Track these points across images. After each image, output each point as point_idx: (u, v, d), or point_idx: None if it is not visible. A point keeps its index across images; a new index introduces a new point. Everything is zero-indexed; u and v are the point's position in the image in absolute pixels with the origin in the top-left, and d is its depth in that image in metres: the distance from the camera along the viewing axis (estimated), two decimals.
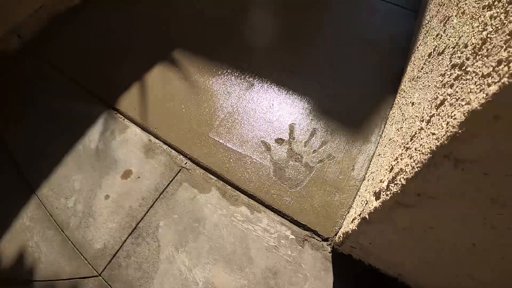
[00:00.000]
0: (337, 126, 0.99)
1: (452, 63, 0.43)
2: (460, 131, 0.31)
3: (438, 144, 0.34)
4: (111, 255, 0.85)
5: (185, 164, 0.95)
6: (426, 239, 0.51)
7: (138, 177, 0.93)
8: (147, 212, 0.87)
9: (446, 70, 0.45)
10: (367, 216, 0.55)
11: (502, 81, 0.26)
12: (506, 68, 0.26)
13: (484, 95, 0.28)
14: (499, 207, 0.36)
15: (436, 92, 0.45)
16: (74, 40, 1.49)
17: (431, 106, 0.44)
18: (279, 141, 0.95)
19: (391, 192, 0.47)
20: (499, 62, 0.28)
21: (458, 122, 0.31)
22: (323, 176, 0.87)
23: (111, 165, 0.99)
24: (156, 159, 0.97)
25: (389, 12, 1.43)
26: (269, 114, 1.01)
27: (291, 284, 0.75)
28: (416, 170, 0.39)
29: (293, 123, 0.98)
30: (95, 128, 1.10)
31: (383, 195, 0.50)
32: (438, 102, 0.41)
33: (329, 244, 0.79)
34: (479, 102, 0.28)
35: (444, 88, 0.42)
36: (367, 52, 1.20)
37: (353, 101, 1.05)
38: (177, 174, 0.92)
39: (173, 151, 0.97)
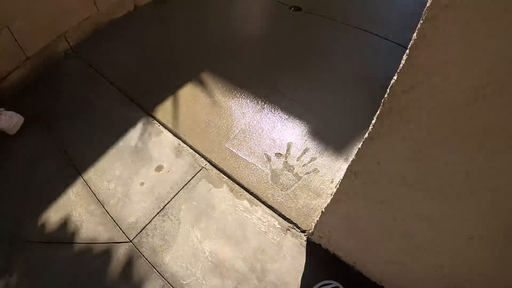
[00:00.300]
0: (325, 148, 1.33)
1: None
2: None
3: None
4: (141, 227, 1.20)
5: (205, 165, 1.31)
6: (357, 227, 0.84)
7: (168, 171, 1.30)
8: (172, 198, 1.23)
9: None
10: (323, 210, 0.88)
11: None
12: None
13: None
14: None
15: None
16: (114, 50, 1.90)
17: None
18: (278, 155, 1.30)
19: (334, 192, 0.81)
20: None
21: None
22: (308, 185, 1.22)
23: (147, 160, 1.35)
24: (183, 159, 1.33)
25: (389, 50, 1.80)
26: (273, 133, 1.37)
27: (273, 260, 1.08)
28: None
29: (290, 142, 1.34)
30: (135, 129, 1.47)
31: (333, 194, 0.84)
32: None
33: (305, 235, 1.12)
34: None
35: None
36: (362, 87, 1.55)
37: (341, 128, 1.40)
38: (198, 172, 1.28)
39: (197, 154, 1.34)
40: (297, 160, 1.28)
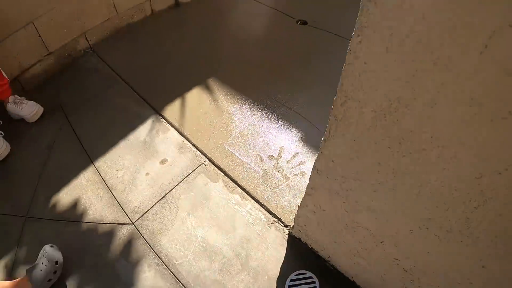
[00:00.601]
0: (314, 153, 1.55)
1: None
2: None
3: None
4: (143, 212, 1.43)
5: (204, 161, 1.54)
6: (324, 220, 1.04)
7: (171, 165, 1.53)
8: (173, 188, 1.46)
9: None
10: (299, 204, 1.09)
11: None
12: None
13: None
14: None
15: None
16: (131, 51, 2.18)
17: None
18: (270, 157, 1.52)
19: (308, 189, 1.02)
20: None
21: None
22: (295, 185, 1.43)
23: (153, 154, 1.60)
24: (185, 155, 1.57)
25: None
26: (268, 137, 1.59)
27: (257, 249, 1.29)
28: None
29: (282, 146, 1.56)
30: (145, 126, 1.72)
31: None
32: None
33: (288, 229, 1.33)
34: None
35: None
36: None
37: None
38: (197, 167, 1.51)
39: (198, 151, 1.57)
40: (287, 163, 1.50)
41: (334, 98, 0.69)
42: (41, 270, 1.19)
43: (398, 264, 0.95)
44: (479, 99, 0.49)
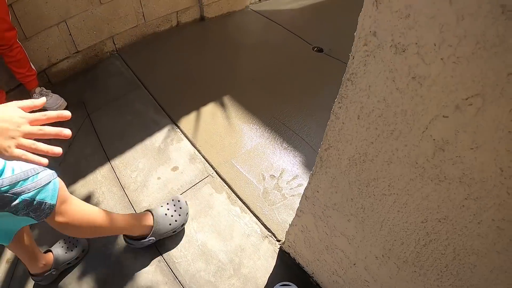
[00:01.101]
0: None
1: None
2: None
3: None
4: None
5: (211, 173, 1.77)
6: (309, 238, 1.25)
7: (181, 172, 1.77)
8: (181, 194, 1.70)
9: None
10: (290, 222, 1.31)
11: None
12: None
13: None
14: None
15: None
16: (154, 59, 2.44)
17: None
18: (272, 176, 1.75)
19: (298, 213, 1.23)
20: None
21: None
22: (291, 205, 1.65)
23: (166, 160, 1.84)
24: (195, 165, 1.81)
25: None
26: (272, 158, 1.82)
27: (249, 258, 1.50)
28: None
29: (284, 168, 1.78)
30: (161, 133, 1.96)
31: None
32: None
33: (279, 244, 1.55)
34: None
35: None
36: None
37: None
38: (205, 178, 1.75)
39: (207, 163, 1.80)
40: (287, 183, 1.72)
41: (321, 143, 0.91)
42: (165, 214, 1.48)
43: (368, 286, 1.16)
44: (422, 164, 0.70)
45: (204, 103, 2.11)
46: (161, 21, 2.55)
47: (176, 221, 1.49)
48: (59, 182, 1.02)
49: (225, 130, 1.96)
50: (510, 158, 0.57)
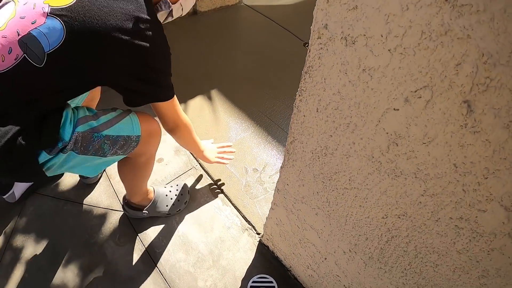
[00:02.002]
0: None
1: None
2: None
3: None
4: None
5: (195, 165, 1.74)
6: (283, 232, 1.22)
7: (166, 164, 1.75)
8: (165, 185, 1.68)
9: None
10: (267, 215, 1.28)
11: None
12: None
13: None
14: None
15: None
16: None
17: None
18: (255, 170, 1.72)
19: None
20: None
21: None
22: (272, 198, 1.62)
23: None
24: (180, 157, 1.78)
25: None
26: (255, 151, 1.78)
27: (229, 250, 1.48)
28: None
29: (267, 162, 1.75)
30: None
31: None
32: None
33: (259, 237, 1.52)
34: None
35: None
36: None
37: None
38: (189, 170, 1.72)
39: (191, 156, 1.77)
40: (269, 177, 1.69)
41: (288, 136, 0.88)
42: (166, 194, 1.54)
43: (339, 281, 1.13)
44: (378, 158, 0.67)
45: (192, 97, 2.08)
46: None
47: (173, 205, 1.53)
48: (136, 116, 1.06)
49: (211, 123, 1.93)
50: (464, 153, 0.54)
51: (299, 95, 0.75)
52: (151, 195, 1.50)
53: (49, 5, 0.77)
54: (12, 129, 0.76)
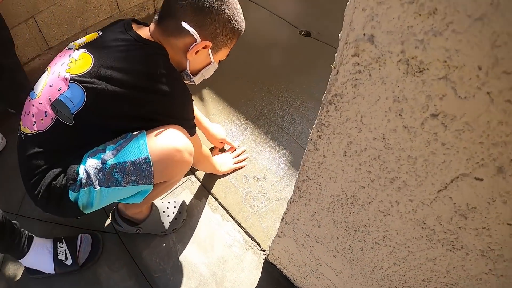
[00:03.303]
0: None
1: None
2: None
3: None
4: None
5: (190, 177, 1.52)
6: (293, 259, 1.04)
7: None
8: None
9: None
10: (273, 239, 1.09)
11: None
12: None
13: None
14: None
15: None
16: None
17: None
18: (255, 178, 1.51)
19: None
20: None
21: None
22: (276, 210, 1.42)
23: None
24: None
25: None
26: (255, 157, 1.57)
27: (232, 270, 1.30)
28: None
29: (268, 168, 1.54)
30: None
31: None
32: None
33: (264, 254, 1.34)
34: None
35: None
36: None
37: None
38: (183, 182, 1.51)
39: None
40: (271, 186, 1.48)
41: (299, 171, 0.67)
42: (163, 211, 1.38)
43: None
44: (431, 225, 0.46)
45: None
46: (137, 10, 2.22)
47: (170, 222, 1.36)
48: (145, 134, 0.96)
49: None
50: None
51: (318, 131, 0.53)
52: (147, 210, 1.33)
53: (69, 73, 0.87)
54: (51, 174, 0.89)
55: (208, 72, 1.12)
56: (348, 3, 0.36)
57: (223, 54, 1.08)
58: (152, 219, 1.32)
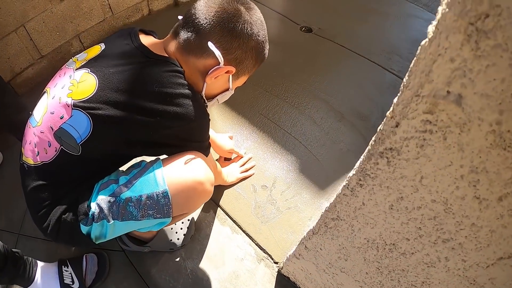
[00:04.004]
0: (309, 184, 1.48)
1: None
2: None
3: None
4: None
5: None
6: (312, 278, 0.99)
7: None
8: None
9: None
10: (287, 256, 1.04)
11: None
12: None
13: None
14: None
15: None
16: None
17: None
18: (264, 187, 1.46)
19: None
20: None
21: None
22: (287, 220, 1.38)
23: None
24: None
25: (392, 84, 1.88)
26: (263, 165, 1.51)
27: (245, 285, 1.26)
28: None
29: (277, 176, 1.48)
30: None
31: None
32: None
33: (277, 266, 1.30)
34: None
35: None
36: (356, 124, 1.66)
37: (329, 166, 1.54)
38: None
39: None
40: (281, 195, 1.43)
41: (327, 207, 0.61)
42: (171, 228, 1.32)
43: None
44: (483, 283, 0.42)
45: None
46: (131, 11, 2.10)
47: (178, 239, 1.31)
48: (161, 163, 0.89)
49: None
50: None
51: (360, 180, 0.47)
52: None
53: (72, 98, 0.77)
54: (60, 208, 0.83)
55: (223, 98, 1.02)
56: (425, 42, 0.29)
57: (242, 81, 0.98)
58: (160, 237, 1.27)
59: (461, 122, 0.29)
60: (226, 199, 1.43)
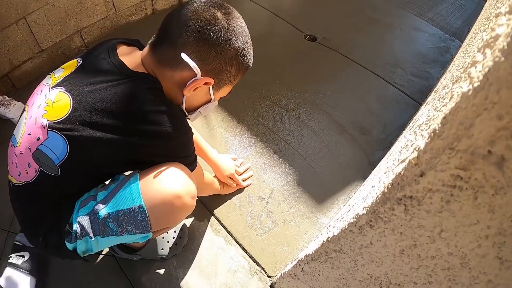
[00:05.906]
0: (307, 198, 1.45)
1: None
2: None
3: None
4: None
5: None
6: None
7: None
8: None
9: None
10: (282, 273, 1.02)
11: None
12: None
13: None
14: None
15: None
16: None
17: None
18: (260, 198, 1.43)
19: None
20: None
21: None
22: (283, 233, 1.35)
23: None
24: None
25: (394, 99, 1.86)
26: (260, 175, 1.48)
27: None
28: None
29: (274, 187, 1.46)
30: None
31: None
32: None
33: (270, 280, 1.27)
34: None
35: None
36: (358, 138, 1.64)
37: (327, 180, 1.51)
38: None
39: None
40: (277, 207, 1.40)
41: (329, 237, 0.58)
42: (163, 237, 1.28)
43: None
44: None
45: None
46: (134, 10, 2.06)
47: (169, 248, 1.28)
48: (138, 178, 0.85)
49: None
50: None
51: (371, 221, 0.44)
52: None
53: (47, 119, 0.74)
54: (44, 227, 0.84)
55: (206, 110, 0.96)
56: (468, 90, 0.25)
57: (225, 91, 0.94)
58: (151, 246, 1.24)
59: (498, 186, 0.26)
60: (221, 209, 1.40)
